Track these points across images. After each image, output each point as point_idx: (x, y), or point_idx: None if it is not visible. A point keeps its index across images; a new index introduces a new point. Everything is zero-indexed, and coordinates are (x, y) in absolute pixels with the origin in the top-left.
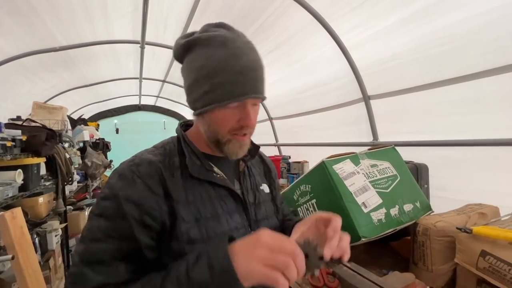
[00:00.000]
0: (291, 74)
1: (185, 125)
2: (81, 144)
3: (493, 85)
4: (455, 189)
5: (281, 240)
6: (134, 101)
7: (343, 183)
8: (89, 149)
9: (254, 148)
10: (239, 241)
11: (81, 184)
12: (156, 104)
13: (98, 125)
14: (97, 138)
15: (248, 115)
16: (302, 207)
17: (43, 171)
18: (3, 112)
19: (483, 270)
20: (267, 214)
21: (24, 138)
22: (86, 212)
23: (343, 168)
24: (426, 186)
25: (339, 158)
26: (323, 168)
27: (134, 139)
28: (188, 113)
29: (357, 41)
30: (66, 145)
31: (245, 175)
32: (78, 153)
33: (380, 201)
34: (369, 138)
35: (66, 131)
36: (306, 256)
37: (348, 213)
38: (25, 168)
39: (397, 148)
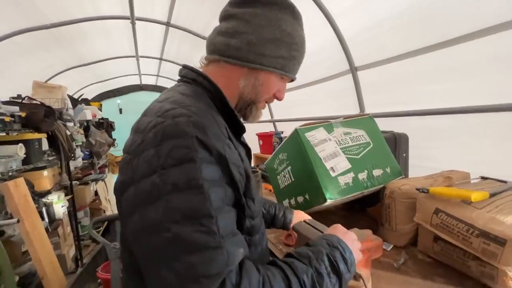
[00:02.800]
0: None
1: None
2: (85, 124)
3: (473, 50)
4: (435, 158)
5: (353, 233)
6: (135, 80)
7: (313, 150)
8: (92, 128)
9: None
10: (341, 235)
11: (86, 161)
12: (157, 84)
13: (101, 105)
14: (100, 117)
15: (284, 90)
16: (280, 175)
17: (45, 146)
18: (4, 92)
19: (436, 226)
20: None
21: (23, 114)
22: (92, 187)
23: (315, 136)
24: (404, 155)
25: (312, 126)
26: (296, 136)
27: (135, 119)
28: None
29: (343, 9)
30: (71, 124)
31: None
32: (81, 131)
33: (349, 166)
34: (356, 111)
35: (67, 110)
36: None
37: (316, 177)
38: (26, 143)
39: (381, 119)
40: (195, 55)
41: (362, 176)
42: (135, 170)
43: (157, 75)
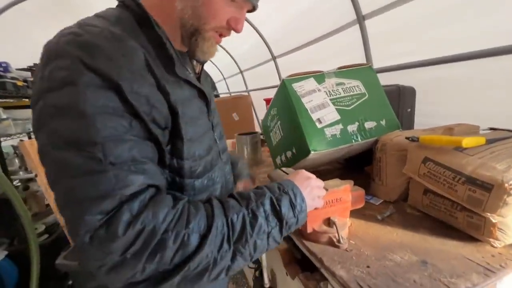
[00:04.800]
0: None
1: None
2: None
3: None
4: (446, 114)
5: (318, 180)
6: None
7: (300, 100)
8: None
9: None
10: (296, 180)
11: None
12: None
13: None
14: None
15: (242, 19)
16: (272, 131)
17: None
18: (22, 61)
19: (423, 176)
20: (218, 119)
21: None
22: None
23: (303, 86)
24: (409, 110)
25: (301, 76)
26: (283, 87)
27: None
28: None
29: None
30: None
31: (202, 78)
32: None
33: (338, 117)
34: None
35: None
36: None
37: (301, 129)
38: None
39: (389, 73)
40: None
41: (352, 128)
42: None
43: None
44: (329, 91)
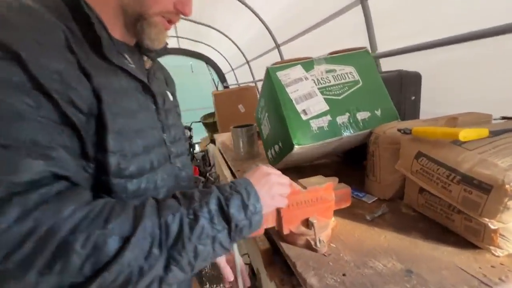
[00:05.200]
0: None
1: None
2: None
3: None
4: (457, 101)
5: (282, 176)
6: None
7: (284, 90)
8: None
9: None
10: (252, 178)
11: None
12: (180, 46)
13: None
14: None
15: (189, 1)
16: (262, 124)
17: None
18: None
19: (415, 173)
20: (175, 120)
21: None
22: None
23: (288, 75)
24: (413, 98)
25: (286, 64)
26: (267, 76)
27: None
28: (213, 54)
29: None
30: None
31: (151, 74)
32: None
33: (326, 108)
34: None
35: None
36: None
37: (284, 121)
38: None
39: (395, 57)
40: (218, 10)
41: (342, 119)
42: None
43: (177, 36)
44: (317, 79)
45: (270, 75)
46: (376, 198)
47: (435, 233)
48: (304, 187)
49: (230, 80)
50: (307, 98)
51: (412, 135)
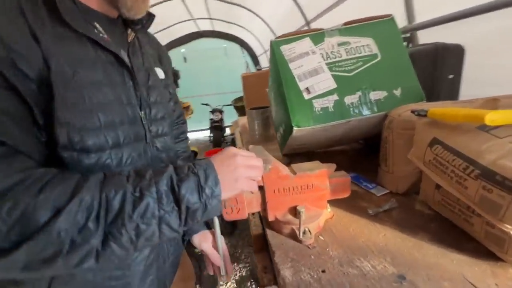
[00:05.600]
0: None
1: None
2: None
3: None
4: (508, 80)
5: (251, 158)
6: (192, 27)
7: (287, 66)
8: None
9: (149, 18)
10: (216, 159)
11: None
12: (215, 29)
13: None
14: None
15: None
16: (271, 103)
17: None
18: None
19: (428, 164)
20: (162, 99)
21: None
22: None
23: (293, 49)
24: (451, 77)
25: (293, 37)
26: (271, 50)
27: (199, 68)
28: (247, 36)
29: None
30: None
31: (135, 48)
32: None
33: (334, 86)
34: (403, 23)
35: None
36: None
37: (285, 100)
38: None
39: (433, 29)
40: None
41: (351, 99)
42: None
43: (210, 18)
44: (326, 53)
45: (273, 49)
46: (388, 191)
47: (448, 237)
48: (294, 173)
49: (264, 62)
50: (312, 75)
51: (428, 118)
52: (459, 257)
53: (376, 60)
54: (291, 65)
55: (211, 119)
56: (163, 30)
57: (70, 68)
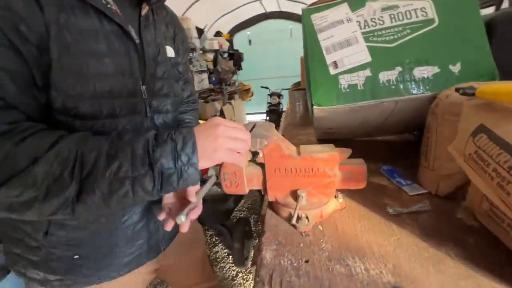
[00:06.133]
0: None
1: None
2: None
3: None
4: None
5: (236, 129)
6: (258, 8)
7: (315, 37)
8: (219, 57)
9: None
10: (199, 129)
11: (214, 86)
12: (282, 9)
13: (230, 36)
14: (230, 49)
15: None
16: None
17: None
18: None
19: (468, 160)
20: (168, 76)
21: None
22: (214, 106)
23: (326, 17)
24: None
25: (328, 3)
26: (302, 20)
27: (263, 50)
28: None
29: None
30: (195, 55)
31: (148, 22)
32: (209, 58)
33: (368, 59)
34: None
35: (191, 39)
36: None
37: (309, 75)
38: None
39: None
40: None
41: (388, 76)
42: None
43: None
44: (365, 20)
45: (304, 18)
46: (425, 191)
47: (485, 256)
48: (299, 154)
49: None
50: (343, 47)
51: (478, 99)
52: (491, 284)
53: (430, 27)
54: (320, 36)
55: (268, 103)
56: (229, 12)
57: (71, 36)
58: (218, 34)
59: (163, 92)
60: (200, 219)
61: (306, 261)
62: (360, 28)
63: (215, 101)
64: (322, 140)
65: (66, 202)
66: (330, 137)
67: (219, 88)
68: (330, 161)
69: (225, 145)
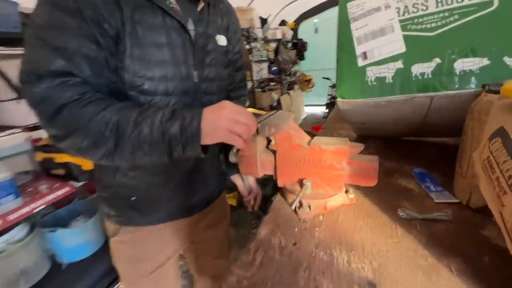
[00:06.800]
0: None
1: None
2: (275, 43)
3: None
4: None
5: (240, 114)
6: None
7: (347, 26)
8: (281, 46)
9: None
10: (208, 109)
11: (272, 76)
12: None
13: (295, 24)
14: (294, 38)
15: None
16: None
17: None
18: None
19: (483, 166)
20: (217, 62)
21: None
22: (271, 96)
23: (362, 5)
24: None
25: None
26: (339, 8)
27: (330, 38)
28: None
29: None
30: (257, 44)
31: (202, 16)
32: (270, 47)
33: (401, 50)
34: None
35: (254, 29)
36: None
37: (337, 66)
38: None
39: None
40: None
41: (423, 68)
42: None
43: None
44: (406, 6)
45: (340, 6)
46: (456, 201)
47: (495, 277)
48: (307, 144)
49: None
50: (376, 36)
51: (501, 95)
52: None
53: (486, 11)
54: (353, 25)
55: (329, 94)
56: (296, 0)
57: (141, 31)
58: (283, 23)
59: (211, 76)
60: (243, 203)
61: (294, 244)
62: (399, 15)
63: (272, 90)
64: (361, 137)
65: (107, 152)
66: (369, 133)
67: (279, 78)
68: (338, 154)
69: (226, 126)
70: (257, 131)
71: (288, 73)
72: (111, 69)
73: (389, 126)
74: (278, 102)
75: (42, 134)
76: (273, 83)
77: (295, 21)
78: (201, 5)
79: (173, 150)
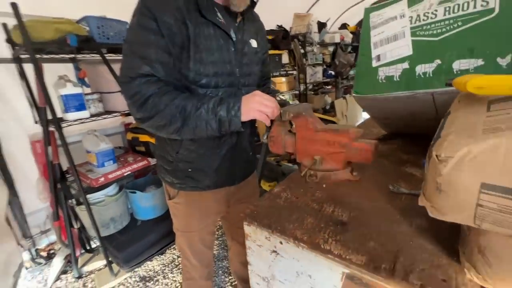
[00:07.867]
0: None
1: None
2: (333, 47)
3: None
4: None
5: (267, 99)
6: None
7: (368, 33)
8: (338, 50)
9: (249, 8)
10: (245, 96)
11: (329, 79)
12: None
13: (357, 28)
14: (350, 40)
15: None
16: None
17: (285, 60)
18: (270, 22)
19: None
20: (251, 62)
21: (270, 37)
22: (323, 98)
23: (383, 15)
24: None
25: (388, 2)
26: (364, 18)
27: None
28: None
29: None
30: (313, 48)
31: (240, 26)
32: (328, 51)
33: (408, 53)
34: None
35: (310, 33)
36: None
37: (356, 67)
38: (269, 57)
39: None
40: None
41: (425, 68)
42: None
43: None
44: (418, 15)
45: (364, 17)
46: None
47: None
48: (323, 130)
49: None
50: (389, 41)
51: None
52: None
53: (487, 17)
54: (372, 32)
55: None
56: (357, 4)
57: (200, 40)
58: (343, 26)
59: (247, 72)
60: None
61: (296, 198)
62: (411, 23)
63: (325, 93)
64: (392, 134)
65: (177, 128)
66: (397, 130)
67: (334, 81)
68: (340, 136)
69: (256, 107)
70: (280, 115)
71: (345, 76)
72: (177, 70)
73: (408, 122)
74: (332, 105)
75: (132, 119)
76: (328, 87)
77: (356, 25)
78: (239, 18)
79: (222, 126)
